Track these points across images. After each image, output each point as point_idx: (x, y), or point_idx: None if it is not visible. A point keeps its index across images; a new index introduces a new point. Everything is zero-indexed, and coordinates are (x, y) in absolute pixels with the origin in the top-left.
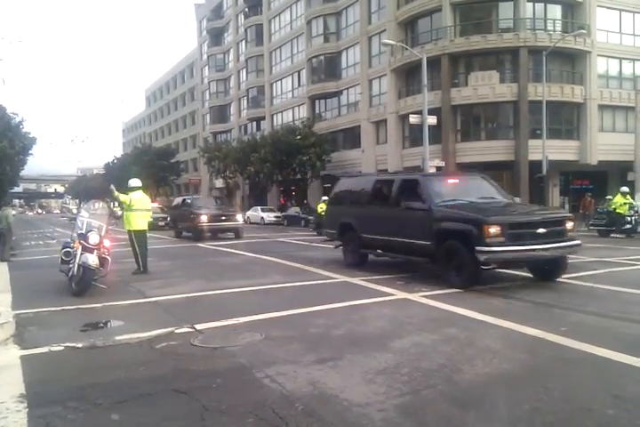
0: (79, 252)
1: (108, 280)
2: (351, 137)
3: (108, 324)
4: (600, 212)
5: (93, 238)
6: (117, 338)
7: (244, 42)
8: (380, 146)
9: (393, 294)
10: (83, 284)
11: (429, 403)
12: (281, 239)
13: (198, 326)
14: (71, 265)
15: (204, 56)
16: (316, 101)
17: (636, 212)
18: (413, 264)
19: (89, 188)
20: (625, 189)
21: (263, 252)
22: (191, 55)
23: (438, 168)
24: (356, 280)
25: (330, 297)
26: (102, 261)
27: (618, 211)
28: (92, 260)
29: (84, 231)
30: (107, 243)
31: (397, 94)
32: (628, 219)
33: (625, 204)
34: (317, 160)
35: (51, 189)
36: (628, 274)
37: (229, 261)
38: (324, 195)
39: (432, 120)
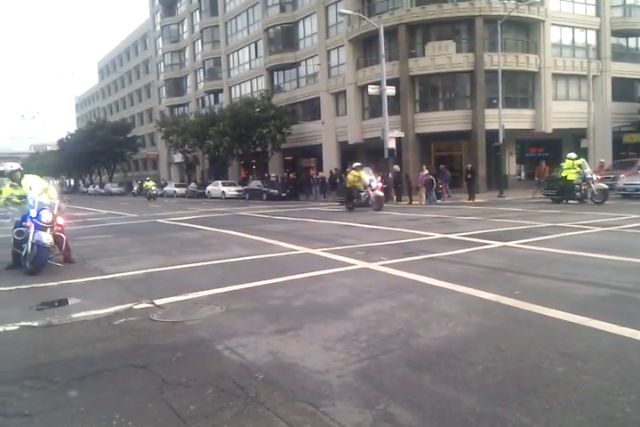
0: (32, 230)
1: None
2: (311, 109)
3: (65, 302)
4: (550, 179)
5: (46, 216)
6: (74, 316)
7: (197, 12)
8: (340, 117)
9: (353, 264)
10: (37, 262)
11: (387, 367)
12: (243, 213)
13: (158, 302)
14: (24, 244)
15: (158, 27)
16: (275, 73)
17: (584, 180)
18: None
19: (43, 165)
20: (572, 154)
21: (224, 226)
22: (144, 26)
23: (398, 139)
24: (317, 252)
25: (291, 269)
26: (57, 238)
27: (569, 178)
28: (46, 238)
29: (36, 209)
30: (60, 220)
31: (356, 65)
32: (577, 186)
33: (574, 170)
34: (277, 133)
35: (2, 168)
36: (577, 238)
37: (189, 236)
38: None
39: (391, 91)
